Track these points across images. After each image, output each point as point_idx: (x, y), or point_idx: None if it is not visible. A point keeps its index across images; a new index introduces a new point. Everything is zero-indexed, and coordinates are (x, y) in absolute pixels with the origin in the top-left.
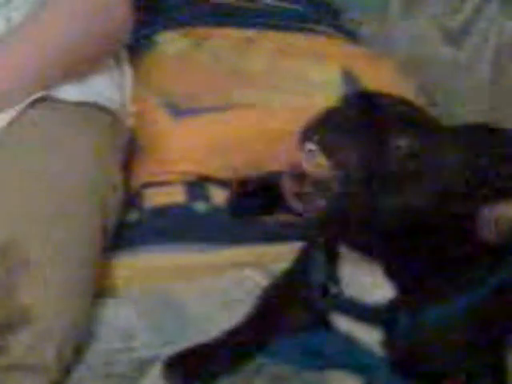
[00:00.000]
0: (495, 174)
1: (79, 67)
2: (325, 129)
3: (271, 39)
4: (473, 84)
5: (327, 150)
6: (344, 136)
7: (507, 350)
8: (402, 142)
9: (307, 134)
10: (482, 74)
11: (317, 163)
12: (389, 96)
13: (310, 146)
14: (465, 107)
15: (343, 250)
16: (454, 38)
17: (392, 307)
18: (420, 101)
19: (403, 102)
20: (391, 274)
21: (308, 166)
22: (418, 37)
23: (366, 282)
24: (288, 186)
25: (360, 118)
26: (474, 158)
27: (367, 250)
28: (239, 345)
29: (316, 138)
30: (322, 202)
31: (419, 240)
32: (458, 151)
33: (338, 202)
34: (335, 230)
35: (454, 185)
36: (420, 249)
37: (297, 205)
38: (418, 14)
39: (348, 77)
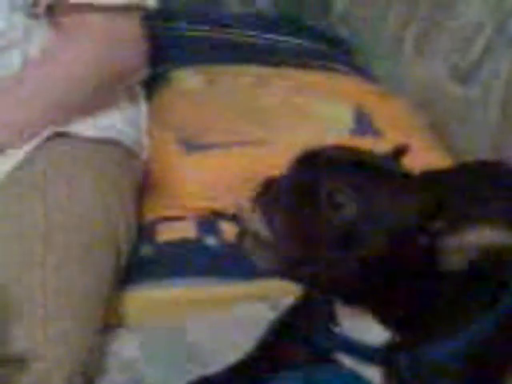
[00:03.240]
0: (449, 205)
1: (93, 105)
2: (264, 192)
3: (285, 77)
4: (482, 122)
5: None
6: (276, 203)
7: None
8: (340, 199)
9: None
10: (492, 113)
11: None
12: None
13: (243, 201)
14: (474, 145)
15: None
16: (464, 76)
17: (390, 348)
18: (431, 138)
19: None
20: (380, 317)
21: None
22: (429, 75)
23: (362, 323)
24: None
25: (298, 184)
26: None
27: (350, 297)
28: (244, 379)
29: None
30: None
31: (395, 283)
32: (407, 194)
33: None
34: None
35: (405, 226)
36: (400, 290)
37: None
38: (429, 53)
39: (359, 114)
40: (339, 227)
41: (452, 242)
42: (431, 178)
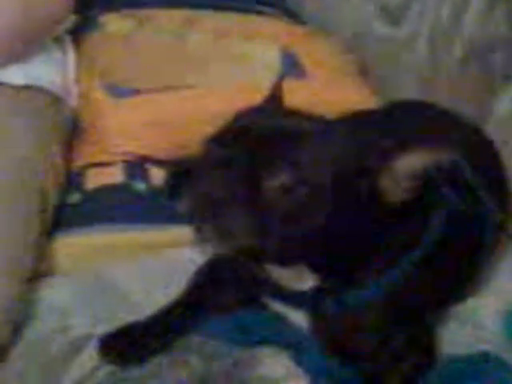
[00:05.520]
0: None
1: (18, 49)
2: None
3: (213, 19)
4: (410, 63)
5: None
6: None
7: (434, 322)
8: (275, 182)
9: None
10: (420, 54)
11: None
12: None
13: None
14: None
15: None
16: (393, 17)
17: (316, 293)
18: (360, 79)
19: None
20: (308, 264)
21: None
22: (358, 16)
23: (289, 270)
24: None
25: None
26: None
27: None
28: (173, 323)
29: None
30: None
31: (331, 233)
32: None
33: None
34: None
35: (345, 179)
36: (332, 239)
37: None
38: None
39: (287, 55)
40: (289, 209)
41: (384, 175)
42: (356, 121)
